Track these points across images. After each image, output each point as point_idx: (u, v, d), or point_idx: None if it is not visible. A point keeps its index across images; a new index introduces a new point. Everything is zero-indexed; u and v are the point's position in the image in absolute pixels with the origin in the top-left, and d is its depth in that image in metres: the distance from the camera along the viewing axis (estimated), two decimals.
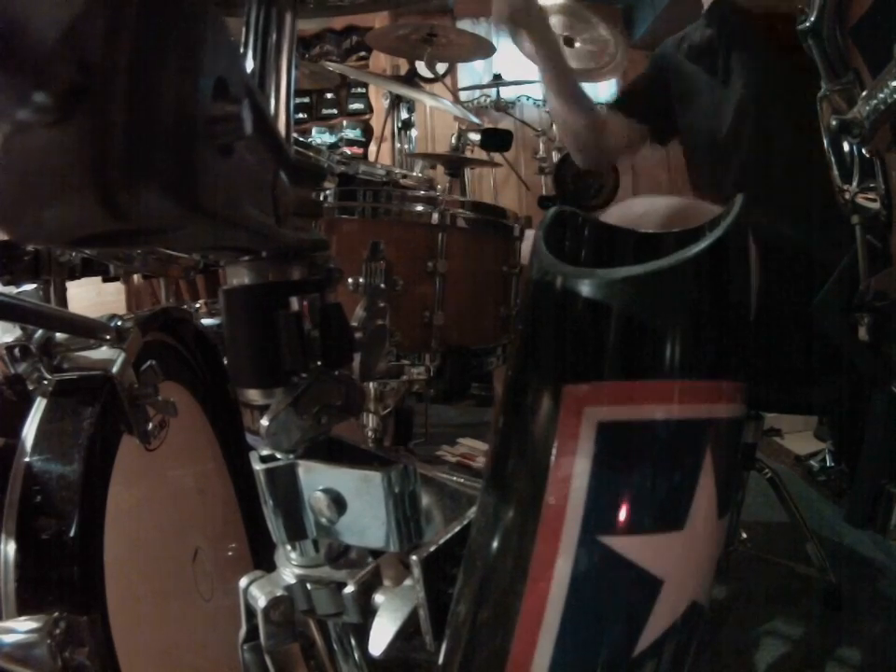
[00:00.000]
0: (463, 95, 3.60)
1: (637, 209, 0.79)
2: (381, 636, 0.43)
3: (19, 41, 0.17)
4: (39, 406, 0.59)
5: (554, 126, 1.36)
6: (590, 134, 1.30)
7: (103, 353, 0.63)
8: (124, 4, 0.19)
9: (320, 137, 3.81)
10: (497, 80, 3.31)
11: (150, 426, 0.66)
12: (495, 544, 0.41)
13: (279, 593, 0.45)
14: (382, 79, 2.67)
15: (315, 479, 0.42)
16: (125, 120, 0.18)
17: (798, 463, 1.95)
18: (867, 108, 0.53)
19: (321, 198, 1.04)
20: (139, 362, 0.65)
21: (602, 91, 3.17)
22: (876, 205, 0.59)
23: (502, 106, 3.34)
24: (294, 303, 0.39)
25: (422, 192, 1.23)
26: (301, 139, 1.43)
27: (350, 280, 0.51)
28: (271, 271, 0.40)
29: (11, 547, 0.52)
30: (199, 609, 0.77)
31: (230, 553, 0.89)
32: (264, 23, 0.42)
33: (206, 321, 1.21)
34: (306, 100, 3.93)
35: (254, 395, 0.41)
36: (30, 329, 0.60)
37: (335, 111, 4.01)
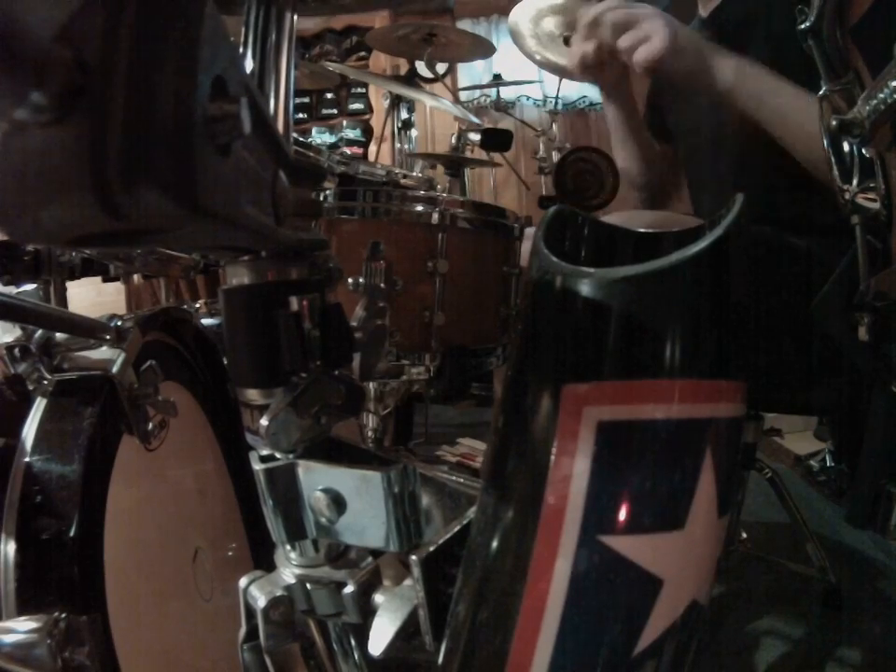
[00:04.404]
0: (463, 95, 3.60)
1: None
2: (381, 636, 0.43)
3: (15, 39, 0.17)
4: (39, 406, 0.59)
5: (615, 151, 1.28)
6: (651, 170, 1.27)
7: (103, 353, 0.63)
8: (122, 2, 0.18)
9: (320, 137, 3.82)
10: (497, 80, 3.32)
11: (150, 426, 0.66)
12: (494, 544, 0.41)
13: (279, 593, 0.45)
14: (382, 79, 2.67)
15: (315, 479, 0.42)
16: (123, 120, 0.18)
17: (798, 463, 1.95)
18: (867, 108, 0.53)
19: (321, 198, 1.04)
20: (139, 362, 0.65)
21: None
22: (876, 205, 0.59)
23: (502, 106, 3.34)
24: (294, 303, 0.39)
25: (422, 192, 1.23)
26: (301, 139, 1.43)
27: (350, 280, 0.51)
28: (270, 270, 0.39)
29: (11, 547, 0.52)
30: (199, 609, 0.77)
31: (230, 553, 0.89)
32: (264, 23, 0.42)
33: (206, 321, 1.21)
34: (306, 100, 3.94)
35: (254, 395, 0.41)
36: (30, 328, 0.60)
37: (335, 111, 4.01)
